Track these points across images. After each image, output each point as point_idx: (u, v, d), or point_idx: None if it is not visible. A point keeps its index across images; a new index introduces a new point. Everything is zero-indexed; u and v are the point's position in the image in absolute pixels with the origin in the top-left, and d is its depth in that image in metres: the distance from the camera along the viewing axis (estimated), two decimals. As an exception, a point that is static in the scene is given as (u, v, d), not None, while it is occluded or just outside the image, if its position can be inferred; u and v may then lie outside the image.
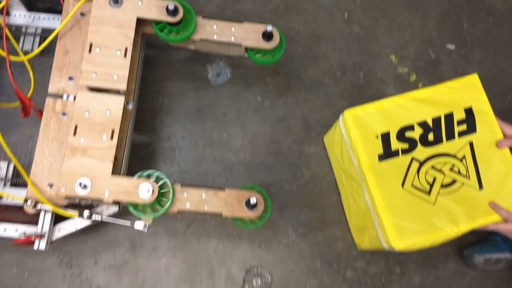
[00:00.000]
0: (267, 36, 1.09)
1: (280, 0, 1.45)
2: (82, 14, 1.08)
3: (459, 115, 1.00)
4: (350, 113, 1.01)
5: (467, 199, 0.95)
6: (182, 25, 1.07)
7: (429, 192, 0.96)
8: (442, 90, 1.01)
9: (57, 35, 1.04)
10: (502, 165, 0.98)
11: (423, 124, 1.00)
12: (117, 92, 1.00)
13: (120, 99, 0.99)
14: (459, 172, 0.97)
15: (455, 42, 1.50)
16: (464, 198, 0.95)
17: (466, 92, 1.01)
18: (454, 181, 0.97)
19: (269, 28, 1.06)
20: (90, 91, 1.00)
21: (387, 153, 0.98)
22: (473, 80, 1.02)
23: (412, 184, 0.96)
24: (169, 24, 1.06)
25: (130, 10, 1.04)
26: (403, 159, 0.98)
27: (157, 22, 1.06)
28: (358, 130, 0.99)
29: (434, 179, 0.96)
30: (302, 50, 1.41)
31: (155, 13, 1.05)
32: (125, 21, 1.03)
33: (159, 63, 1.35)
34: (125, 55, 1.01)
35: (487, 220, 0.95)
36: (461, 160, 0.98)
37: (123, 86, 1.00)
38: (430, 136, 0.99)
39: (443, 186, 0.96)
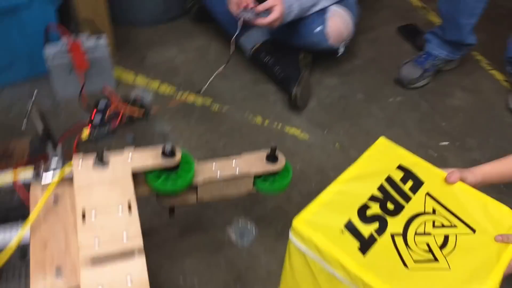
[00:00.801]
0: (272, 158, 1.01)
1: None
2: (55, 202, 0.87)
3: (397, 175, 0.94)
4: (300, 221, 0.86)
5: (472, 247, 0.84)
6: (180, 171, 0.91)
7: (436, 259, 0.82)
8: (365, 162, 0.97)
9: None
10: (472, 198, 0.92)
11: (374, 198, 0.90)
12: (130, 253, 0.74)
13: (140, 262, 0.72)
14: (443, 225, 0.87)
15: (446, 139, 1.49)
16: (468, 248, 0.84)
17: (386, 154, 0.99)
18: (447, 237, 0.85)
19: (273, 145, 0.99)
20: (95, 265, 0.72)
21: (365, 243, 0.83)
22: (383, 142, 1.01)
23: (413, 260, 0.81)
24: (166, 170, 0.90)
25: (121, 167, 0.86)
26: (384, 240, 0.84)
27: (150, 171, 0.89)
28: (320, 233, 0.84)
29: (428, 245, 0.84)
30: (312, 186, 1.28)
31: (151, 161, 0.88)
32: (119, 178, 0.84)
33: (173, 245, 1.14)
34: (130, 210, 0.79)
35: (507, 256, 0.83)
36: (434, 213, 0.89)
37: (138, 242, 0.74)
38: (390, 205, 0.89)
39: (441, 247, 0.84)
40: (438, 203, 0.90)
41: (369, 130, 1.55)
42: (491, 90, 1.76)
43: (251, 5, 1.46)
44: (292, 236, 0.87)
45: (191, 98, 1.61)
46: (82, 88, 1.52)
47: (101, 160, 0.87)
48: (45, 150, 1.00)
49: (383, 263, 0.80)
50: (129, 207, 0.80)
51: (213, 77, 1.48)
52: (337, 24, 1.57)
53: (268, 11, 1.46)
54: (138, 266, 0.73)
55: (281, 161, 1.00)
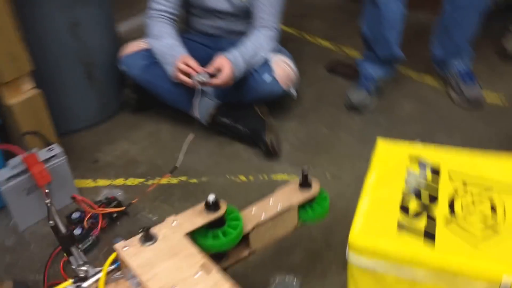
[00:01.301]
0: (306, 184, 0.97)
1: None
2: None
3: (413, 166, 0.95)
4: (356, 236, 0.81)
5: None
6: (227, 225, 0.84)
7: (496, 222, 0.82)
8: (378, 166, 0.97)
9: None
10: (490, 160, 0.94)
11: (407, 195, 0.89)
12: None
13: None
14: (481, 193, 0.88)
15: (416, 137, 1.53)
16: None
17: (391, 152, 1.00)
18: (491, 200, 0.86)
19: (305, 169, 0.95)
20: None
21: (427, 235, 0.81)
22: (382, 143, 1.03)
23: (480, 229, 0.80)
24: (212, 226, 0.82)
25: (172, 235, 0.76)
26: (442, 227, 0.82)
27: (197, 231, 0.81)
28: (382, 238, 0.81)
29: (482, 212, 0.84)
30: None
31: (199, 219, 0.80)
32: (176, 246, 0.74)
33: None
34: (208, 272, 0.69)
35: None
36: (466, 185, 0.90)
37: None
38: (425, 197, 0.88)
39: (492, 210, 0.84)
40: (463, 174, 0.91)
41: (349, 154, 1.57)
42: (430, 94, 1.90)
43: (200, 69, 1.47)
44: (352, 255, 0.81)
45: (164, 181, 1.52)
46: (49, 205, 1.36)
47: (149, 236, 0.76)
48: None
49: (456, 245, 0.77)
50: (207, 270, 0.70)
51: (185, 147, 1.43)
52: (283, 68, 1.63)
53: (219, 71, 1.47)
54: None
55: (315, 184, 0.96)
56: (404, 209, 0.85)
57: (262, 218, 0.88)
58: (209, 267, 0.71)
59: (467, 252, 0.76)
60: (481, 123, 1.69)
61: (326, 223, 1.25)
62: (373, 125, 1.73)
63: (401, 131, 1.67)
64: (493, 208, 0.83)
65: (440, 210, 0.84)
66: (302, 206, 0.95)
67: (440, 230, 0.81)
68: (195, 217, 0.80)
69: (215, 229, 0.82)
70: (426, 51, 1.91)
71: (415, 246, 0.78)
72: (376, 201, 0.88)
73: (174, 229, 0.78)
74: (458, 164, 0.94)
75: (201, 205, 0.82)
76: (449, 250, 0.77)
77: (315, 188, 0.95)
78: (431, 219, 0.83)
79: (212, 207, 0.81)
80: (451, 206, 0.85)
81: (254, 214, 0.88)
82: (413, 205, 0.86)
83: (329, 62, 2.15)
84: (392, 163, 0.96)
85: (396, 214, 0.84)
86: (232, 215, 0.86)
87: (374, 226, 0.83)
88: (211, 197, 0.81)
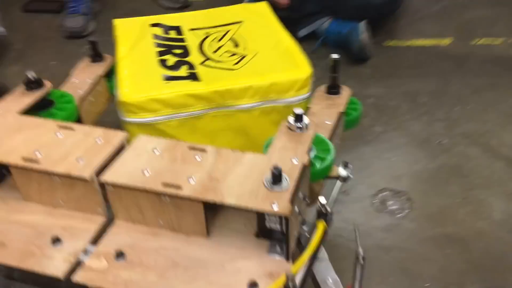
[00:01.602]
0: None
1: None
2: None
3: (157, 31, 1.06)
4: (127, 96, 0.86)
5: (252, 31, 1.05)
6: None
7: (244, 55, 0.97)
8: (124, 38, 1.03)
9: None
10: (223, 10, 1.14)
11: (161, 53, 0.99)
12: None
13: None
14: (223, 36, 1.04)
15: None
16: (251, 33, 1.05)
17: (131, 25, 1.09)
18: (233, 39, 1.03)
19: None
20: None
21: (192, 76, 0.92)
22: (116, 23, 1.10)
23: (234, 63, 0.95)
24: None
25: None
26: (201, 68, 0.94)
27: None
28: (155, 91, 0.88)
29: (229, 51, 0.99)
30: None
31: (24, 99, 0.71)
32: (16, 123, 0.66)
33: None
34: (70, 129, 0.65)
35: None
36: (208, 36, 1.04)
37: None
38: (177, 51, 0.99)
39: (237, 46, 1.01)
40: (202, 29, 1.05)
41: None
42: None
43: None
44: (128, 117, 0.85)
45: None
46: None
47: None
48: None
49: (218, 74, 0.90)
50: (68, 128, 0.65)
51: None
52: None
53: None
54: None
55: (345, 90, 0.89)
56: (164, 64, 0.93)
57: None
58: (68, 125, 0.68)
59: (229, 75, 0.91)
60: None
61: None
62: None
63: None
64: (236, 45, 1.01)
65: (194, 57, 0.96)
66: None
67: (200, 69, 0.92)
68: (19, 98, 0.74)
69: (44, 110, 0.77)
70: None
71: (184, 87, 0.87)
72: (134, 66, 0.93)
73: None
74: (195, 22, 1.09)
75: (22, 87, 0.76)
76: (214, 78, 0.89)
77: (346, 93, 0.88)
78: (190, 65, 0.93)
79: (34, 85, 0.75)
80: (202, 52, 0.98)
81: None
82: (170, 59, 0.95)
83: (24, 4, 2.00)
84: (136, 34, 1.04)
85: (158, 70, 0.91)
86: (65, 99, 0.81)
87: (141, 84, 0.88)
88: (30, 74, 0.75)
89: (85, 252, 0.60)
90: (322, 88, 0.89)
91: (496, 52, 1.58)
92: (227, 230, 0.64)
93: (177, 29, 1.07)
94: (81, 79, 0.94)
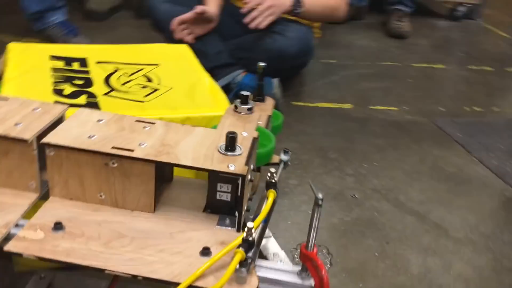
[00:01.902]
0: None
1: None
2: None
3: (57, 64, 0.95)
4: None
5: (168, 71, 0.98)
6: None
7: (155, 89, 0.91)
8: (15, 66, 0.92)
9: None
10: (140, 48, 1.08)
11: (58, 82, 0.89)
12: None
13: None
14: (134, 72, 0.96)
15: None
16: (167, 72, 0.98)
17: (28, 54, 0.97)
18: (146, 76, 0.96)
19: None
20: None
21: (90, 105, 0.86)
22: (14, 46, 0.99)
23: (145, 96, 0.89)
24: None
25: None
26: (105, 99, 0.86)
27: None
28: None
29: (140, 84, 0.93)
30: None
31: None
32: None
33: None
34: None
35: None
36: (117, 71, 0.96)
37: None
38: (78, 82, 0.90)
39: (150, 81, 0.94)
40: (111, 63, 0.96)
41: None
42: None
43: None
44: None
45: None
46: None
47: None
48: None
49: (123, 105, 0.82)
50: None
51: None
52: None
53: None
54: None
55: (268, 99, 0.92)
56: (58, 93, 0.83)
57: None
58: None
59: (136, 106, 0.82)
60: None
61: None
62: None
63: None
64: (148, 80, 0.92)
65: (97, 88, 0.86)
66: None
67: (102, 99, 0.83)
68: None
69: None
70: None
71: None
72: (20, 91, 0.80)
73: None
74: (104, 55, 0.99)
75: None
76: (117, 108, 0.78)
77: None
78: (90, 95, 0.84)
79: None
80: (108, 83, 0.89)
81: None
82: (67, 89, 0.85)
83: None
84: (32, 61, 0.92)
85: (50, 97, 0.81)
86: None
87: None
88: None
89: (17, 225, 0.55)
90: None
91: (393, 117, 1.68)
92: (173, 207, 0.62)
93: (82, 61, 0.95)
94: None
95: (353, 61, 2.13)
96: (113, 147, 0.57)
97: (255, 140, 0.65)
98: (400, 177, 1.34)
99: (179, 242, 0.56)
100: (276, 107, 1.50)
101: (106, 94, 0.85)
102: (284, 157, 0.78)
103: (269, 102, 0.92)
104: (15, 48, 0.97)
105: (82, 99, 0.82)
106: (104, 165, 0.57)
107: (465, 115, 1.76)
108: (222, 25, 1.61)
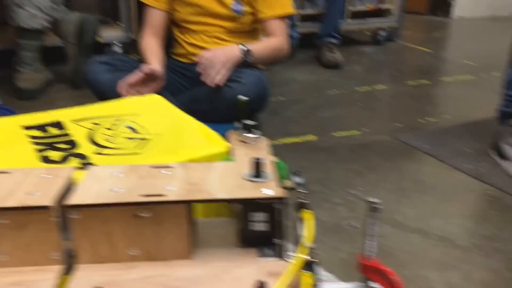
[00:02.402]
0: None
1: None
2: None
3: (33, 133, 0.87)
4: None
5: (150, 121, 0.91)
6: None
7: (143, 139, 0.85)
8: None
9: None
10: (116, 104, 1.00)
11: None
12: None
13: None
14: (114, 124, 0.89)
15: None
16: (149, 122, 0.90)
17: None
18: (131, 127, 0.89)
19: None
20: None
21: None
22: None
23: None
24: None
25: None
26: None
27: None
28: None
29: (128, 137, 0.86)
30: None
31: None
32: None
33: None
34: None
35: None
36: (98, 125, 0.89)
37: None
38: (55, 152, 0.82)
39: (131, 138, 0.86)
40: (89, 119, 0.89)
41: None
42: None
43: None
44: None
45: None
46: None
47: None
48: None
49: (118, 161, 0.75)
50: None
51: None
52: None
53: None
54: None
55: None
56: (47, 160, 0.76)
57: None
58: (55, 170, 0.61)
59: (134, 159, 0.76)
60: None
61: None
62: None
63: None
64: (132, 130, 0.86)
65: (85, 148, 0.80)
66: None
67: (96, 159, 0.76)
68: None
69: None
70: None
71: None
72: (5, 163, 0.72)
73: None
74: (78, 114, 0.91)
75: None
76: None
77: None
78: (82, 157, 0.77)
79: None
80: (94, 142, 0.82)
81: None
82: (54, 155, 0.78)
83: None
84: (5, 135, 0.84)
85: (40, 165, 0.74)
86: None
87: None
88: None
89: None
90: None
91: (358, 140, 1.68)
92: (206, 249, 0.58)
93: (57, 125, 0.87)
94: None
95: (300, 95, 2.14)
96: (141, 195, 0.54)
97: (274, 164, 0.65)
98: (387, 197, 1.32)
99: (229, 282, 0.53)
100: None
101: (96, 153, 0.78)
102: (297, 179, 0.71)
103: (262, 139, 0.89)
104: None
105: (75, 163, 0.75)
106: (133, 217, 0.54)
107: (422, 127, 1.80)
108: (168, 82, 1.56)
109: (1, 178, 0.58)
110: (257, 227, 0.57)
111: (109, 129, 0.85)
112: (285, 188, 0.67)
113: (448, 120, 1.87)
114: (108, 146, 0.80)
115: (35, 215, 0.52)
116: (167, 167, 0.61)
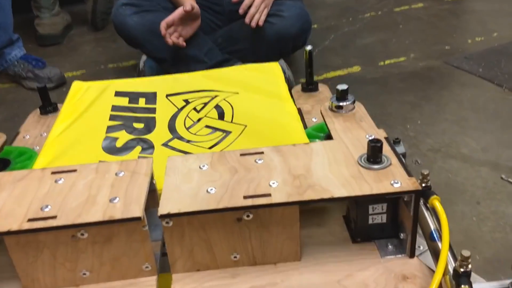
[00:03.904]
0: None
1: None
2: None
3: (121, 101, 0.86)
4: None
5: (243, 102, 0.86)
6: None
7: (227, 131, 0.78)
8: (72, 107, 0.84)
9: None
10: (219, 73, 0.96)
11: (112, 128, 0.80)
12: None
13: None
14: (205, 104, 0.85)
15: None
16: (242, 103, 0.85)
17: (90, 93, 0.88)
18: (219, 110, 0.84)
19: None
20: None
21: None
22: (78, 85, 0.90)
23: (209, 148, 0.77)
24: None
25: None
26: (160, 152, 0.75)
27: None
28: None
29: (209, 126, 0.81)
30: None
31: None
32: None
33: None
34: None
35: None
36: (188, 103, 0.86)
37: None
38: (137, 125, 0.81)
39: (220, 118, 0.82)
40: (182, 94, 0.85)
41: None
42: None
43: None
44: None
45: None
46: None
47: None
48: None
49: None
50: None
51: None
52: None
53: None
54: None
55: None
56: (109, 147, 0.72)
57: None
58: (65, 169, 0.54)
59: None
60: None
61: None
62: None
63: None
64: (221, 116, 0.79)
65: (158, 134, 0.75)
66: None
67: (158, 153, 0.71)
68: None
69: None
70: None
71: None
72: (66, 151, 0.71)
73: None
74: (177, 86, 0.88)
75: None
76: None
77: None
78: (147, 146, 0.73)
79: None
80: (172, 127, 0.77)
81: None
82: (121, 138, 0.74)
83: None
84: (91, 101, 0.83)
85: (96, 156, 0.70)
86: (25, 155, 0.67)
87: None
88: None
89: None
90: (297, 88, 0.84)
91: (407, 68, 1.60)
92: (313, 246, 0.51)
93: (150, 96, 0.83)
94: (34, 134, 0.79)
95: (334, 20, 2.02)
96: (245, 197, 0.47)
97: (389, 140, 0.56)
98: (450, 129, 1.26)
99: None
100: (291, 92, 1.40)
101: (165, 144, 0.73)
102: (398, 149, 0.63)
103: (324, 89, 0.81)
104: (76, 87, 0.88)
105: (134, 155, 0.70)
106: (235, 221, 0.48)
107: (471, 48, 1.70)
108: (201, 21, 1.46)
109: (71, 179, 0.51)
110: (374, 220, 0.50)
111: (197, 110, 0.80)
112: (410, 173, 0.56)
113: (495, 38, 1.75)
114: (183, 136, 0.75)
115: (122, 227, 0.47)
116: (258, 153, 0.54)
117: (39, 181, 0.50)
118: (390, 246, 0.52)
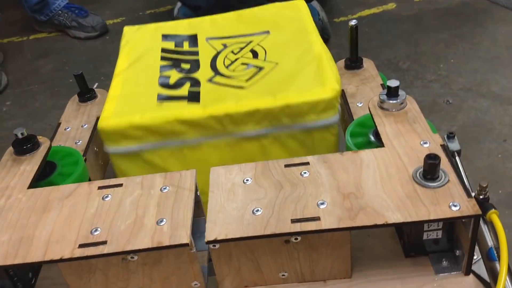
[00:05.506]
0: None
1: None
2: None
3: (168, 44, 0.94)
4: (107, 121, 0.75)
5: (277, 43, 0.89)
6: None
7: (260, 67, 0.83)
8: (129, 50, 0.91)
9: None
10: (249, 14, 0.98)
11: (164, 68, 0.87)
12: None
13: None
14: (241, 48, 0.89)
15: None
16: (275, 45, 0.88)
17: (143, 35, 0.96)
18: (252, 50, 0.87)
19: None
20: None
21: (191, 97, 0.78)
22: (126, 30, 0.98)
23: (245, 80, 0.81)
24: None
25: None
26: (206, 86, 0.81)
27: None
28: (139, 114, 0.76)
29: (245, 63, 0.85)
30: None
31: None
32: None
33: None
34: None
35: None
36: (226, 47, 0.90)
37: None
38: (185, 66, 0.87)
39: (255, 57, 0.86)
40: (221, 38, 0.90)
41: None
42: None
43: None
44: (110, 145, 0.71)
45: None
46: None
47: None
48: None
49: (222, 93, 0.75)
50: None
51: None
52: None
53: None
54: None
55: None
56: (163, 83, 0.79)
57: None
58: (111, 182, 0.56)
59: (234, 95, 0.74)
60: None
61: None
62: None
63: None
64: (255, 54, 0.84)
65: (203, 72, 0.81)
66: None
67: (205, 88, 0.77)
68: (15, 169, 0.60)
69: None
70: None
71: (176, 110, 0.72)
72: (128, 85, 0.80)
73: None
74: (213, 30, 0.93)
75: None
76: (215, 100, 0.73)
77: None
78: (195, 82, 0.79)
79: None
80: (213, 66, 0.83)
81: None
82: (173, 76, 0.81)
83: None
84: (143, 45, 0.91)
85: (155, 89, 0.78)
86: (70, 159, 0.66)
87: (127, 106, 0.75)
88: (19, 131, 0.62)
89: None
90: (340, 65, 0.81)
91: (442, 4, 1.55)
92: (365, 261, 0.50)
93: (192, 39, 0.91)
94: (75, 125, 0.77)
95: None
96: (292, 220, 0.45)
97: (447, 150, 0.51)
98: (482, 67, 1.25)
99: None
100: (326, 33, 1.37)
101: (209, 80, 0.80)
102: (453, 145, 0.57)
103: (369, 65, 0.80)
104: (128, 33, 0.95)
105: (185, 90, 0.77)
106: (283, 243, 0.47)
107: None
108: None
109: (118, 195, 0.52)
110: (429, 236, 0.47)
111: (234, 53, 0.85)
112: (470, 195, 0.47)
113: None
114: (223, 73, 0.81)
115: (170, 250, 0.47)
116: (302, 164, 0.51)
117: (87, 199, 0.52)
118: (444, 262, 0.49)
